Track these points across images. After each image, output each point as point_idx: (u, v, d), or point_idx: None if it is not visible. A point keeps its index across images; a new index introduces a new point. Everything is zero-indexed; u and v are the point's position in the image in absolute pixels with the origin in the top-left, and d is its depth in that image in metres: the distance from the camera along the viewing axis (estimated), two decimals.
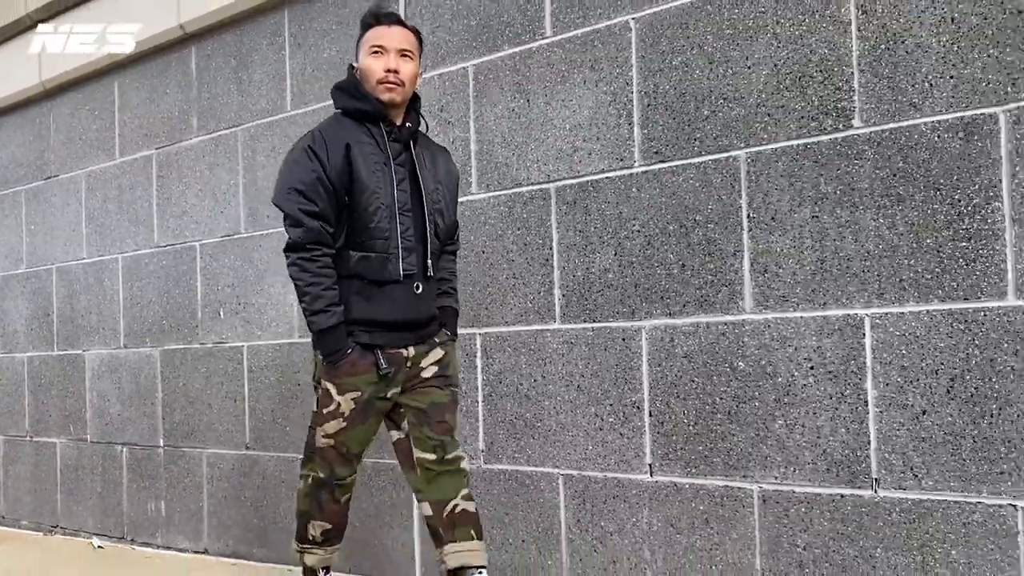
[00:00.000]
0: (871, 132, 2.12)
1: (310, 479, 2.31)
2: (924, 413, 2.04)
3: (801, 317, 2.21)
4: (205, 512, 3.69)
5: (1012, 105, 1.94)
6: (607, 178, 2.56)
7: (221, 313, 3.63)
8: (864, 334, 2.12)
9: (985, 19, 1.98)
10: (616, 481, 2.54)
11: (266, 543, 3.45)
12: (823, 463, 2.18)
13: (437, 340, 2.29)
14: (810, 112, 2.21)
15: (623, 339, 2.52)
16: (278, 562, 3.39)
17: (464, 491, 2.22)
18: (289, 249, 2.15)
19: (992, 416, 1.95)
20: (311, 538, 2.37)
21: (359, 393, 2.17)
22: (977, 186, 1.99)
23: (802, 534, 2.21)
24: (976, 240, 1.98)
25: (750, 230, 2.30)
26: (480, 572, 2.18)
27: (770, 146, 2.27)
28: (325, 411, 2.21)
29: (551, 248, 2.67)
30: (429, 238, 2.21)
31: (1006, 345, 1.94)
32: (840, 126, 2.17)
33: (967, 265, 1.99)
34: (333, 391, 2.18)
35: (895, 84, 2.09)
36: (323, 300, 2.11)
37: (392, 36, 2.21)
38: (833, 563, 2.16)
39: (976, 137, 1.99)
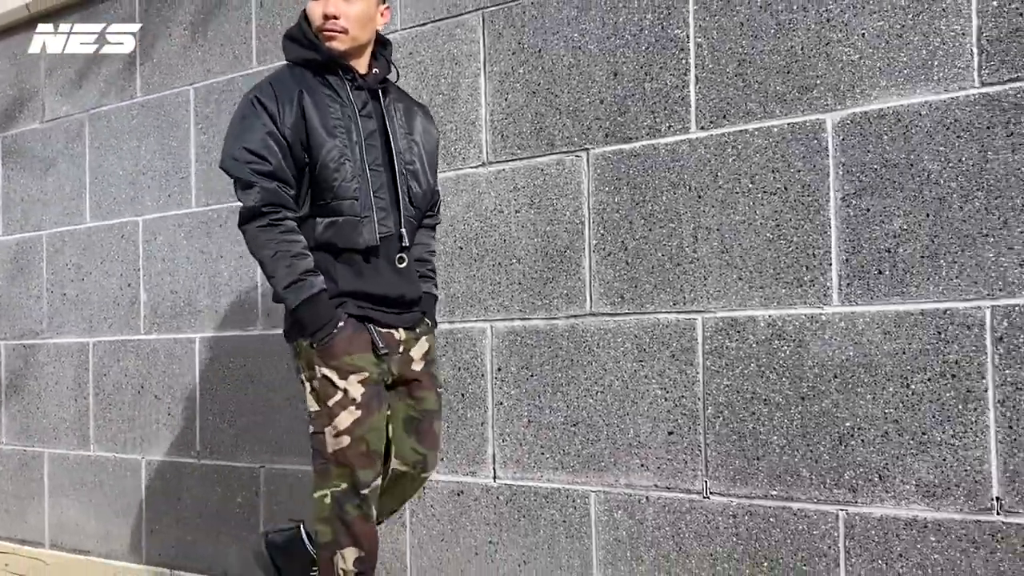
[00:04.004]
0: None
1: (328, 496, 1.82)
2: None
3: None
4: None
5: None
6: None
7: None
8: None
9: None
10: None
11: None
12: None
13: (419, 331, 1.95)
14: None
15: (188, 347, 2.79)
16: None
17: (406, 504, 2.10)
18: (244, 221, 1.76)
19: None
20: (342, 574, 1.86)
21: (366, 373, 1.78)
22: None
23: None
24: None
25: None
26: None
27: None
28: (331, 403, 1.77)
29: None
30: (402, 202, 1.87)
31: None
32: None
33: None
34: (334, 377, 1.76)
35: None
36: (295, 269, 1.72)
37: None
38: None
39: None
